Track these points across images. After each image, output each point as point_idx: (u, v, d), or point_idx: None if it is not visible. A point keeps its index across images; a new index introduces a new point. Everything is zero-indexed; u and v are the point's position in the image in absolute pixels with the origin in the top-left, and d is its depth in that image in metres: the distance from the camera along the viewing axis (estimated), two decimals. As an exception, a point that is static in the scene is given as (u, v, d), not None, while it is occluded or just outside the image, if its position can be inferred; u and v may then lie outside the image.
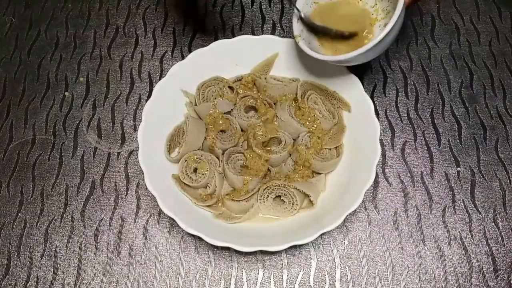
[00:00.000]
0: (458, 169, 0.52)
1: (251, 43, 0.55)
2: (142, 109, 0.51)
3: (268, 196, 0.49)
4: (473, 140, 0.54)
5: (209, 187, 0.50)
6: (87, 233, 0.50)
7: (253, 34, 0.63)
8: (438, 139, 0.54)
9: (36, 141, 0.56)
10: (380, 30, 0.52)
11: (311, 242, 0.49)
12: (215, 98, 0.54)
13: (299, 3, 0.51)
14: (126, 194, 0.52)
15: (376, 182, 0.52)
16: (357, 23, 0.52)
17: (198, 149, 0.52)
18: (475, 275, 0.47)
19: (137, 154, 0.49)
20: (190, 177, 0.50)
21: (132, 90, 0.59)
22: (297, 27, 0.51)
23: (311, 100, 0.53)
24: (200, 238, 0.44)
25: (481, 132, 0.55)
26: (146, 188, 0.47)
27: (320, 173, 0.51)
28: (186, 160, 0.50)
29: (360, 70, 0.59)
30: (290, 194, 0.48)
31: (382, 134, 0.55)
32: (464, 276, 0.47)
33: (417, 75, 0.59)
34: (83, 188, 0.53)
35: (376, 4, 0.52)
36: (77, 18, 0.66)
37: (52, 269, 0.49)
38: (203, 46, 0.55)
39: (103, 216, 0.51)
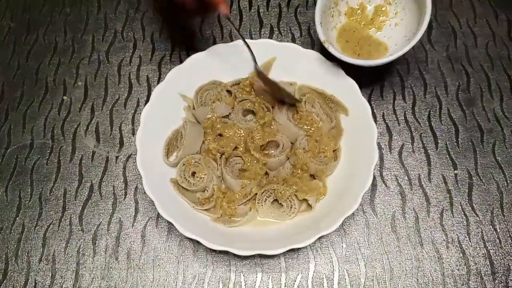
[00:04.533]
0: (456, 172, 0.53)
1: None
2: (140, 113, 0.51)
3: (266, 199, 0.49)
4: (470, 143, 0.54)
5: (207, 190, 0.50)
6: (85, 237, 0.50)
7: (251, 38, 0.63)
8: (435, 142, 0.54)
9: (34, 145, 0.56)
10: (391, 29, 0.56)
11: (309, 245, 0.49)
12: (213, 102, 0.54)
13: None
14: (124, 198, 0.52)
15: (373, 185, 0.52)
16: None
17: (196, 153, 0.52)
18: (473, 277, 0.47)
19: (135, 158, 0.49)
20: (188, 181, 0.50)
21: (130, 94, 0.59)
22: (321, 33, 0.52)
23: (308, 103, 0.53)
24: (198, 242, 0.44)
25: (478, 135, 0.55)
26: (144, 192, 0.47)
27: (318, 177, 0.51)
28: (184, 164, 0.50)
29: (358, 74, 0.59)
30: (288, 198, 0.48)
31: (379, 137, 0.55)
32: (462, 279, 0.47)
33: (414, 79, 0.59)
34: (81, 192, 0.53)
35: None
36: (76, 22, 0.66)
37: (50, 274, 0.49)
38: (201, 50, 0.55)
39: (101, 220, 0.51)
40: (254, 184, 0.49)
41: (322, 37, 0.51)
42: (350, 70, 0.52)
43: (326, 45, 0.51)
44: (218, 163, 0.51)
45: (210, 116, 0.53)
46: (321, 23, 0.52)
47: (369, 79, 0.59)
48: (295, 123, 0.52)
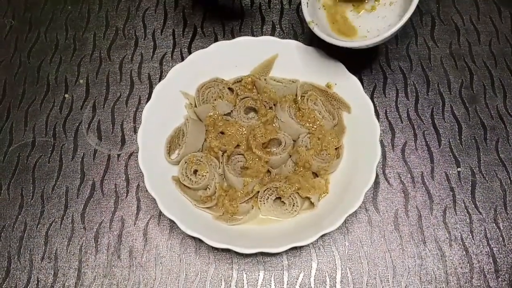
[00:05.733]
0: (459, 169, 0.52)
1: (250, 44, 0.55)
2: (142, 111, 0.51)
3: (268, 197, 0.49)
4: (473, 140, 0.54)
5: (209, 188, 0.50)
6: (87, 235, 0.50)
7: (253, 35, 0.63)
8: (438, 139, 0.54)
9: (36, 143, 0.56)
10: (385, 7, 0.53)
11: (312, 243, 0.49)
12: (215, 100, 0.54)
13: None
14: (126, 196, 0.52)
15: (376, 183, 0.52)
16: None
17: (198, 151, 0.52)
18: (476, 275, 0.47)
19: (137, 156, 0.49)
20: (190, 179, 0.50)
21: (132, 92, 0.59)
22: (307, 13, 0.51)
23: (311, 101, 0.53)
24: (200, 240, 0.44)
25: (482, 132, 0.54)
26: (146, 190, 0.47)
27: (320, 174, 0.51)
28: (186, 162, 0.50)
29: (360, 71, 0.59)
30: (290, 196, 0.48)
31: (382, 135, 0.55)
32: (465, 277, 0.47)
33: (417, 76, 0.59)
34: (83, 190, 0.53)
35: None
36: (77, 20, 0.66)
37: (53, 272, 0.49)
38: (202, 47, 0.55)
39: (103, 218, 0.51)
40: (256, 182, 0.49)
41: (307, 18, 0.50)
42: (352, 66, 0.52)
43: (311, 26, 0.50)
44: (220, 161, 0.51)
45: (211, 113, 0.53)
46: (307, 3, 0.51)
47: (372, 76, 0.59)
48: (297, 121, 0.52)
